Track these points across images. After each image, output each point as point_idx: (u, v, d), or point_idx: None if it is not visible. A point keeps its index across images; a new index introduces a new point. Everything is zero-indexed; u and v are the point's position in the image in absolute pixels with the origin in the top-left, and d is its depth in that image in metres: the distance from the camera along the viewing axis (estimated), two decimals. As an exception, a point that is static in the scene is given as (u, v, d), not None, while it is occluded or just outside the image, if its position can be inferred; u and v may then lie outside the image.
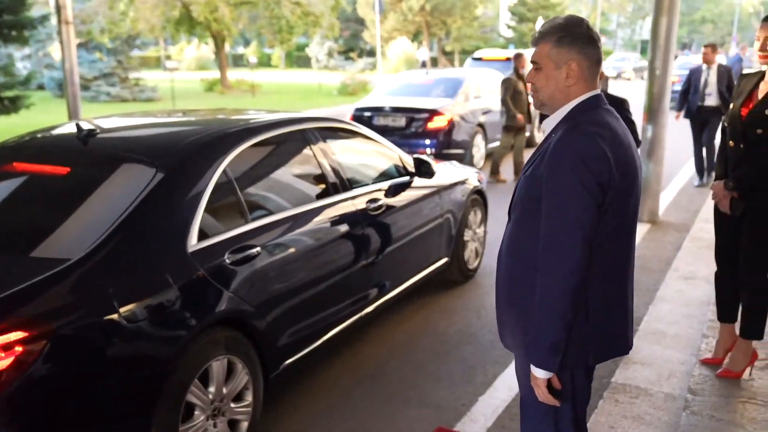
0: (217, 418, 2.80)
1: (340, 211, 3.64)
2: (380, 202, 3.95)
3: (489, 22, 50.10)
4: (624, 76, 34.43)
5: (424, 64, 33.33)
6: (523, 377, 1.98)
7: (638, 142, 4.57)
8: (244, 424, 2.96)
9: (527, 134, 9.50)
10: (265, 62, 50.39)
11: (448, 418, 3.28)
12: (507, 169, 9.32)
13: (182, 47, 44.82)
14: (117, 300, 2.41)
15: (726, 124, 3.35)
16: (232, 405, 2.88)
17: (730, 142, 3.27)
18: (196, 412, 2.69)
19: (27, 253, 2.55)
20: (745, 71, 3.41)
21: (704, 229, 6.14)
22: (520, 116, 8.68)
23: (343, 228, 3.63)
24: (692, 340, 3.90)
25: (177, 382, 2.57)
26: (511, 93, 8.77)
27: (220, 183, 3.02)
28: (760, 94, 3.15)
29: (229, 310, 2.84)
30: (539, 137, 11.24)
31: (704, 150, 8.49)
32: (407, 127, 9.23)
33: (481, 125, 9.92)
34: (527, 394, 1.98)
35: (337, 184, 3.73)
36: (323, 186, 3.67)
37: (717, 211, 3.38)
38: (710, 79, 8.16)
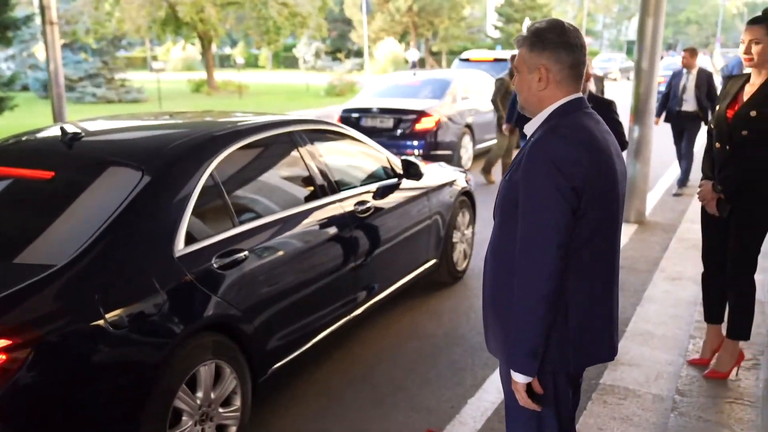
0: (205, 424, 2.77)
1: (328, 213, 3.63)
2: (368, 205, 3.94)
3: (476, 23, 50.27)
4: (610, 77, 34.60)
5: (414, 65, 33.36)
6: (506, 382, 1.97)
7: (625, 144, 4.59)
8: (233, 429, 2.94)
9: None
10: (252, 63, 50.29)
11: (438, 421, 3.28)
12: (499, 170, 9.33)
13: (168, 48, 44.62)
14: (103, 306, 2.38)
15: (712, 126, 3.37)
16: (221, 410, 2.86)
17: (717, 143, 3.30)
18: (184, 418, 2.67)
19: (11, 259, 2.51)
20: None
21: (691, 229, 6.18)
22: (504, 127, 8.64)
23: (332, 231, 3.61)
24: (680, 340, 3.93)
25: (164, 387, 2.55)
26: (502, 93, 8.79)
27: (207, 186, 2.99)
28: (746, 96, 3.18)
29: (216, 314, 2.82)
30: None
31: (682, 159, 8.33)
32: (395, 129, 9.23)
33: (468, 126, 9.94)
34: (511, 399, 1.98)
35: (325, 186, 3.71)
36: (311, 189, 3.66)
37: (704, 212, 3.41)
38: (689, 85, 7.98)
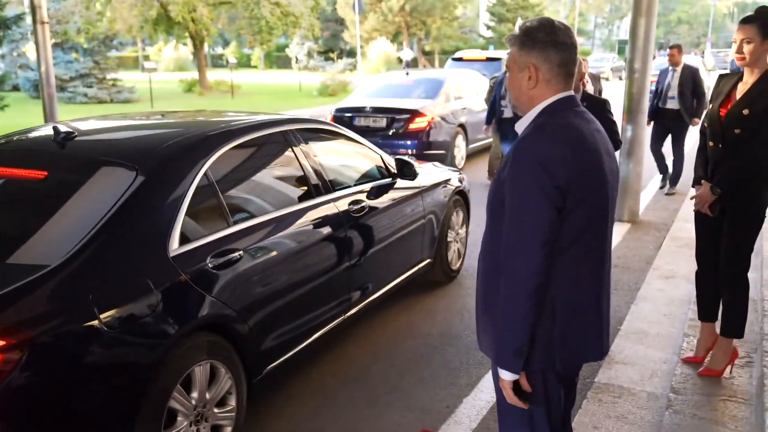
0: (200, 424, 2.76)
1: (322, 213, 3.62)
2: (363, 204, 3.94)
3: (468, 23, 50.38)
4: (602, 76, 34.72)
5: (408, 64, 33.38)
6: (497, 381, 1.98)
7: (619, 143, 4.60)
8: (228, 429, 2.92)
9: None
10: (244, 63, 50.17)
11: (433, 420, 3.27)
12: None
13: (160, 48, 44.45)
14: (97, 306, 2.37)
15: (705, 125, 3.39)
16: (216, 410, 2.85)
17: (710, 142, 3.31)
18: (179, 418, 2.65)
19: (4, 259, 2.49)
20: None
21: (683, 228, 6.20)
22: (484, 128, 8.64)
23: (326, 230, 3.61)
24: (674, 339, 3.94)
25: (159, 387, 2.54)
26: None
27: (202, 186, 2.98)
28: (738, 95, 3.19)
29: (211, 314, 2.81)
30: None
31: (671, 158, 8.19)
32: (388, 128, 9.23)
33: (462, 126, 9.95)
34: (502, 397, 1.98)
35: (319, 186, 3.71)
36: (305, 188, 3.65)
37: (697, 211, 3.42)
38: (673, 83, 7.81)
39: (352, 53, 44.57)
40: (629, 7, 6.66)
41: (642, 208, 7.33)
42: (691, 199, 3.46)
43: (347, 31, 43.71)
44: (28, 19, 12.07)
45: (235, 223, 3.09)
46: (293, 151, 3.67)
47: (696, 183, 3.42)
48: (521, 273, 1.77)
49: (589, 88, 9.67)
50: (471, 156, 10.42)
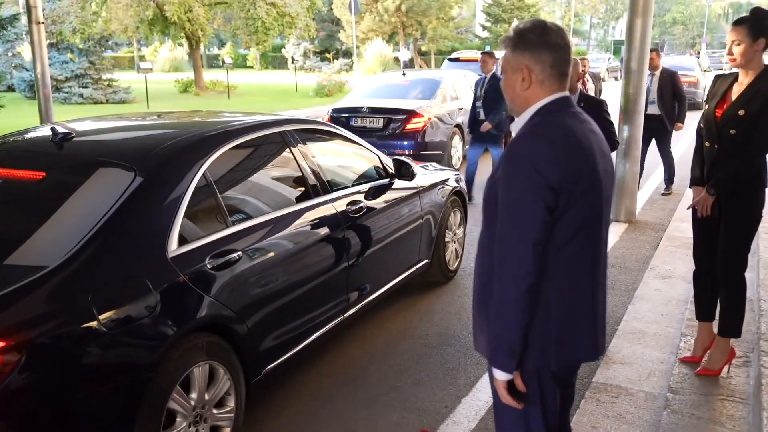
0: (199, 425, 2.76)
1: (320, 213, 3.62)
2: (360, 205, 3.94)
3: (464, 23, 50.40)
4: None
5: (406, 65, 33.38)
6: (492, 381, 1.98)
7: (616, 143, 4.61)
8: (227, 430, 2.92)
9: None
10: (240, 63, 50.07)
11: (431, 421, 3.28)
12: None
13: (156, 48, 44.32)
14: (96, 307, 2.37)
15: (701, 126, 3.40)
16: (215, 411, 2.84)
17: (706, 143, 3.33)
18: (178, 419, 2.65)
19: (2, 260, 2.49)
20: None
21: (680, 228, 6.22)
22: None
23: (324, 231, 3.61)
24: (671, 338, 3.95)
25: (158, 388, 2.53)
26: None
27: (200, 187, 2.98)
28: (734, 96, 3.21)
29: (210, 315, 2.81)
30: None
31: (663, 162, 8.17)
32: (385, 129, 9.23)
33: (458, 126, 9.95)
34: (498, 397, 1.98)
35: (317, 186, 3.71)
36: (303, 189, 3.65)
37: (695, 211, 3.43)
38: (652, 87, 7.53)
39: (348, 54, 44.54)
40: (624, 8, 6.68)
41: (639, 208, 7.35)
42: (688, 209, 3.48)
43: (343, 31, 43.69)
44: (24, 20, 12.05)
45: (234, 223, 3.09)
46: (291, 151, 3.67)
47: (693, 184, 3.44)
48: (513, 272, 1.78)
49: (590, 87, 9.70)
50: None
